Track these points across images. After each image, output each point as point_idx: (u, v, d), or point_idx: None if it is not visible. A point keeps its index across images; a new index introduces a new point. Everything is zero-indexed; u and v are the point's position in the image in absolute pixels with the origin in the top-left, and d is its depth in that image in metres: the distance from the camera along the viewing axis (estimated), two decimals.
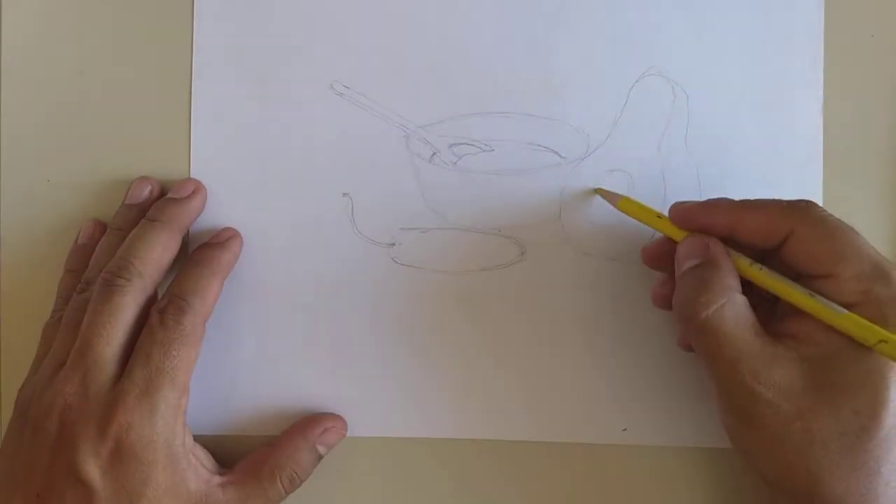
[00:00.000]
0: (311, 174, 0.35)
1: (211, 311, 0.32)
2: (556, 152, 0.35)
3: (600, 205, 0.35)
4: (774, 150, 0.35)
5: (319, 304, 0.35)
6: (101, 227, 0.35)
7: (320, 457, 0.33)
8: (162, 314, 0.30)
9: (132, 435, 0.29)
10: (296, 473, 0.32)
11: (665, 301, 0.32)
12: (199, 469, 0.31)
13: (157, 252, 0.32)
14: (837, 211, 0.35)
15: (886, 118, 0.35)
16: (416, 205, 0.35)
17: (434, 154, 0.35)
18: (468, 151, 0.35)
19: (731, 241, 0.30)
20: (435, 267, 0.35)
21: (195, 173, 0.35)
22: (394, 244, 0.35)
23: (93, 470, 0.28)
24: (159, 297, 0.32)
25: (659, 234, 0.33)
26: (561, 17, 0.35)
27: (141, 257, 0.31)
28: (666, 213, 0.32)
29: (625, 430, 0.35)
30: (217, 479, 0.31)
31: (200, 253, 0.33)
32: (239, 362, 0.35)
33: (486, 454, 0.35)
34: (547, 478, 0.35)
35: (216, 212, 0.35)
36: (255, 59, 0.35)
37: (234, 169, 0.35)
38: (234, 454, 0.33)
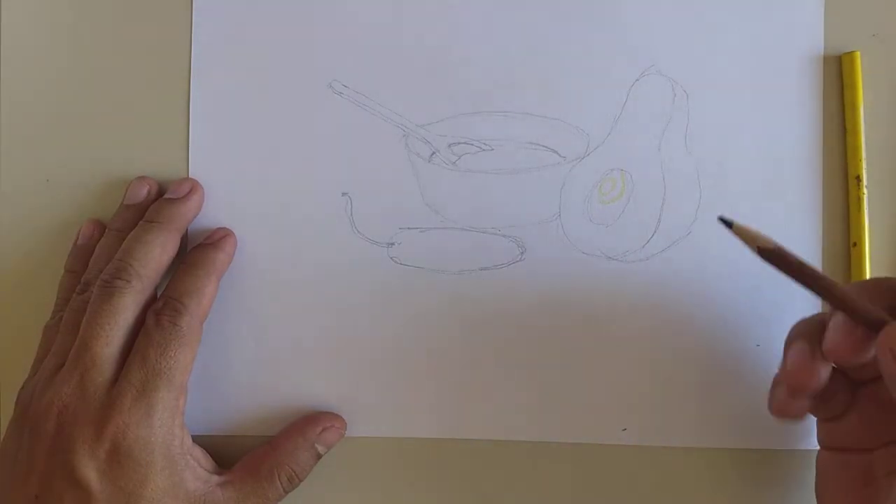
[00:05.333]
0: (310, 174, 0.35)
1: (207, 311, 0.32)
2: (555, 152, 0.35)
3: (600, 205, 0.35)
4: (774, 150, 0.35)
5: (318, 304, 0.35)
6: (100, 228, 0.35)
7: (319, 456, 0.33)
8: (158, 315, 0.30)
9: (129, 436, 0.29)
10: (294, 472, 0.32)
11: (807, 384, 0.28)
12: (197, 469, 0.31)
13: (156, 253, 0.32)
14: (838, 211, 0.35)
15: (886, 118, 0.35)
16: (416, 204, 0.35)
17: (433, 153, 0.35)
18: (467, 151, 0.35)
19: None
20: (434, 267, 0.35)
21: (193, 173, 0.35)
22: (393, 244, 0.35)
23: (90, 472, 0.28)
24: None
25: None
26: (561, 16, 0.35)
27: (139, 259, 0.31)
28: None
29: (625, 430, 0.34)
30: (216, 479, 0.31)
31: (195, 254, 0.33)
32: (238, 362, 0.35)
33: (486, 454, 0.35)
34: (547, 478, 0.35)
35: (215, 211, 0.35)
36: (254, 58, 0.35)
37: (233, 168, 0.35)
38: (233, 454, 0.33)
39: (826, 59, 0.35)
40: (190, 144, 0.35)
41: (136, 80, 0.35)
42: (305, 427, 0.33)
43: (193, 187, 0.34)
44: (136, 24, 0.35)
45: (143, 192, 0.34)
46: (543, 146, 0.35)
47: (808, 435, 0.34)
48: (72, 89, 0.36)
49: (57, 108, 0.36)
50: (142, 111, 0.35)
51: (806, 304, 0.34)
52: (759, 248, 0.26)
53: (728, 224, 0.27)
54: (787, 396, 0.29)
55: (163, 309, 0.31)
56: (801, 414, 0.29)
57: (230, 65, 0.35)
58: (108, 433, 0.29)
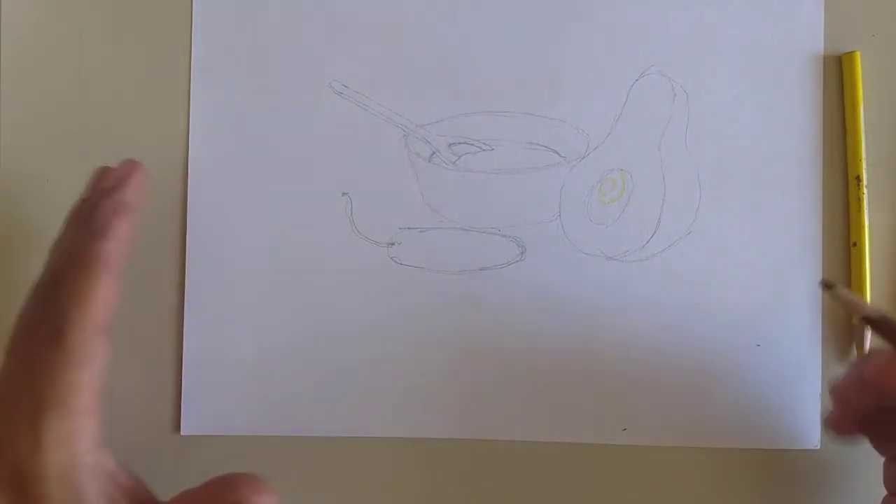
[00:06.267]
0: (310, 174, 0.35)
1: (104, 317, 0.26)
2: (556, 152, 0.35)
3: (600, 205, 0.35)
4: (774, 150, 0.35)
5: (318, 304, 0.35)
6: None
7: None
8: (34, 333, 0.26)
9: (25, 467, 0.24)
10: None
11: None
12: (114, 499, 0.26)
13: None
14: (838, 211, 0.35)
15: (886, 118, 0.35)
16: (416, 204, 0.35)
17: (433, 153, 0.35)
18: (468, 151, 0.35)
19: None
20: (434, 267, 0.35)
21: (193, 172, 0.35)
22: (393, 244, 0.35)
23: None
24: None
25: None
26: (561, 16, 0.35)
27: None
28: None
29: (625, 430, 0.34)
30: None
31: (71, 246, 0.27)
32: (238, 362, 0.35)
33: (486, 454, 0.35)
34: (547, 478, 0.35)
35: (214, 212, 0.35)
36: (254, 58, 0.35)
37: (233, 168, 0.35)
38: (232, 455, 0.33)
39: (826, 59, 0.35)
40: (190, 144, 0.35)
41: (137, 79, 0.35)
42: (224, 493, 0.26)
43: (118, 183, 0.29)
44: (136, 24, 0.35)
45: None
46: (543, 146, 0.35)
47: (808, 435, 0.34)
48: (72, 89, 0.36)
49: (57, 108, 0.36)
50: (142, 111, 0.35)
51: (806, 303, 0.34)
52: (864, 317, 0.30)
53: (830, 287, 0.31)
54: (838, 412, 0.31)
55: (39, 326, 0.26)
56: (845, 431, 0.30)
57: (230, 64, 0.35)
58: (6, 463, 0.24)
